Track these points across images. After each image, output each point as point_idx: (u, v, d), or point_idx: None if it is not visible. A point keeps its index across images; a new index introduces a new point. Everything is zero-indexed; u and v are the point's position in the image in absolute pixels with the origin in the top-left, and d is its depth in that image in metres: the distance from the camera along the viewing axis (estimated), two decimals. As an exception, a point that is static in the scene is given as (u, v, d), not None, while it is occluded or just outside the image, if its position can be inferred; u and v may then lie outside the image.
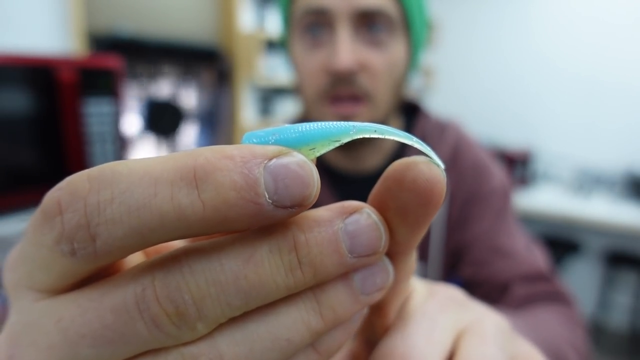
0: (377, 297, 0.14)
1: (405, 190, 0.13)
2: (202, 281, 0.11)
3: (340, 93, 0.48)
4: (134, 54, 1.95)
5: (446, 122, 0.60)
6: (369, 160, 0.57)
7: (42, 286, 0.12)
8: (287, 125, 0.12)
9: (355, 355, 0.19)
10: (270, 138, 0.12)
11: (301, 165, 0.11)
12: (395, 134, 0.13)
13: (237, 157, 0.11)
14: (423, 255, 0.55)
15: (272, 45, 2.42)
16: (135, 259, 0.15)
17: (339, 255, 0.12)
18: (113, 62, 1.31)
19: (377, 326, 0.18)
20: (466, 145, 0.58)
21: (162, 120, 2.11)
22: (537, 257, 0.52)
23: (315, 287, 0.13)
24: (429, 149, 0.13)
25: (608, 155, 2.62)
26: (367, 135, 0.12)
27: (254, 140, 0.12)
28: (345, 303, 0.13)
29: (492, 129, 2.97)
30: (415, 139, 0.13)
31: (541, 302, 0.48)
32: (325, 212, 0.13)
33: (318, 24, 0.47)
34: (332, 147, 0.12)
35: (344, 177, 0.57)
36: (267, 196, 0.11)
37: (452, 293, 0.19)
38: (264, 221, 0.11)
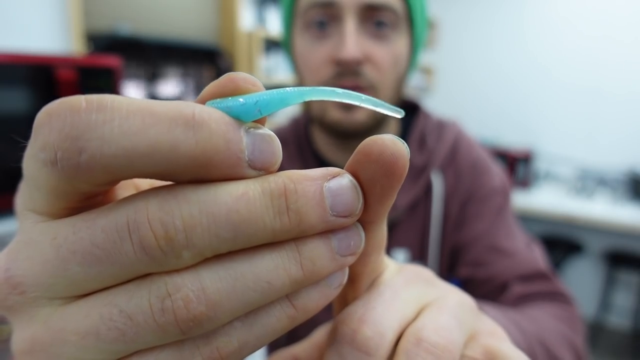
0: (350, 260, 0.15)
1: (373, 162, 0.14)
2: (195, 210, 0.12)
3: (344, 85, 0.48)
4: (134, 53, 1.94)
5: (446, 121, 0.60)
6: None
7: (41, 208, 0.13)
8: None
9: None
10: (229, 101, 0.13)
11: (272, 137, 0.13)
12: (356, 98, 0.15)
13: (225, 116, 0.12)
14: (422, 255, 0.54)
15: (272, 44, 2.42)
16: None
17: (322, 210, 0.14)
18: (112, 61, 1.31)
19: (349, 299, 0.19)
20: (465, 144, 0.57)
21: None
22: (537, 256, 0.52)
23: (297, 239, 0.14)
24: (393, 112, 0.16)
25: (610, 155, 2.62)
26: (326, 98, 0.15)
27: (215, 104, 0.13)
28: (323, 258, 0.14)
29: (494, 129, 2.96)
30: (380, 102, 0.15)
31: (539, 300, 0.48)
32: (311, 171, 0.14)
33: (324, 17, 0.47)
34: (280, 106, 0.14)
35: None
36: (246, 154, 0.12)
37: (419, 270, 0.20)
38: (236, 175, 0.13)
